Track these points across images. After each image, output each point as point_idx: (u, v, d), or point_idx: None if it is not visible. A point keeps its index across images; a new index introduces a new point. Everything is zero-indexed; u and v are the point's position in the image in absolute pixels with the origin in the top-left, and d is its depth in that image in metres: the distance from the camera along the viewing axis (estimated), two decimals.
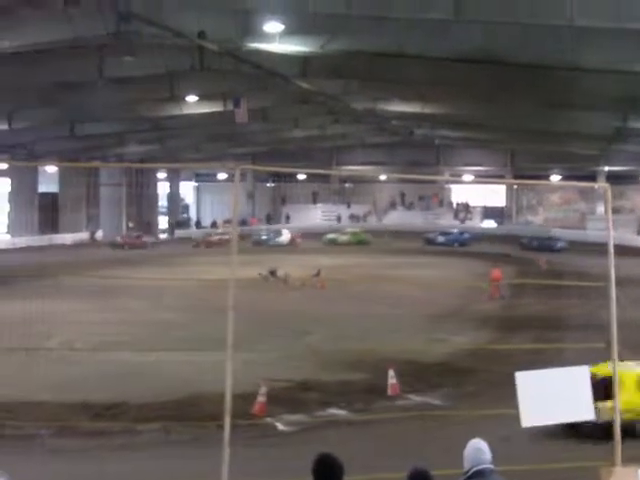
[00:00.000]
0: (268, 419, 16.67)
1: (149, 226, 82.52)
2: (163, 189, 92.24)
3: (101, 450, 14.39)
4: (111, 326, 28.03)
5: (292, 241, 70.44)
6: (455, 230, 75.41)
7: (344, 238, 72.84)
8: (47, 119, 55.82)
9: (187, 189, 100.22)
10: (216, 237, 70.24)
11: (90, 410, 16.93)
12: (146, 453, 14.30)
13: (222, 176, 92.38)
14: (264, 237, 72.20)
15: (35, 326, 27.50)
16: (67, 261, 53.50)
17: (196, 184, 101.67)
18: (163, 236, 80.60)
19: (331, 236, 74.09)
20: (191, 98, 49.81)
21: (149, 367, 20.71)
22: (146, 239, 71.52)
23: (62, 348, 22.52)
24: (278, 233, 73.07)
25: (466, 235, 72.66)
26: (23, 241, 65.97)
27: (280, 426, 16.62)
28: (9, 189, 73.50)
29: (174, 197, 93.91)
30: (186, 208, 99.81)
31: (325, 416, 17.35)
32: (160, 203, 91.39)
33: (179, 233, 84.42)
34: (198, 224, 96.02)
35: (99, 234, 77.80)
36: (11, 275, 44.27)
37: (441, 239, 71.50)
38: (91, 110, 53.12)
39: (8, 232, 73.01)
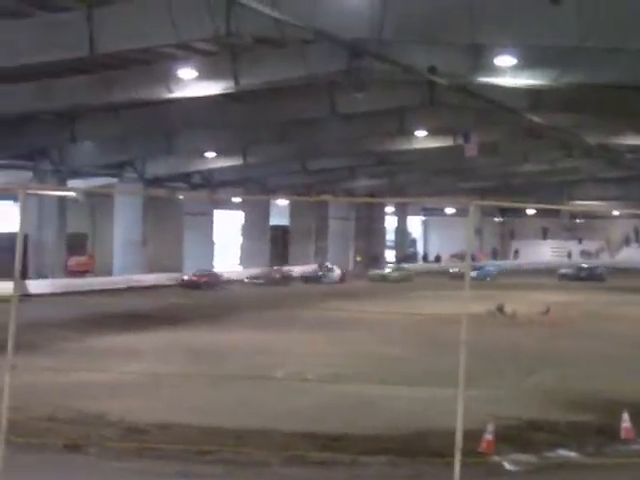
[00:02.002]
0: (495, 458, 16.29)
1: (377, 260, 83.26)
2: (391, 223, 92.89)
3: None
4: (336, 358, 28.33)
5: (342, 278, 68.77)
6: None
7: (395, 275, 71.57)
8: (280, 154, 57.49)
9: (414, 223, 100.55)
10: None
11: (317, 440, 17.07)
12: None
13: (450, 210, 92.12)
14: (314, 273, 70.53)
15: (265, 355, 28.34)
16: (295, 292, 54.82)
17: (424, 218, 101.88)
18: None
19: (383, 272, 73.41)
20: (420, 133, 50.03)
21: (373, 400, 20.75)
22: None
23: (291, 379, 22.92)
24: (330, 269, 70.79)
25: None
26: (254, 272, 68.00)
27: (508, 465, 16.19)
28: (242, 222, 76.04)
29: (402, 231, 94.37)
30: (413, 242, 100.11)
31: (554, 457, 16.79)
32: (388, 237, 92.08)
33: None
34: (425, 258, 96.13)
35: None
36: (244, 306, 45.78)
37: None
38: (322, 145, 54.32)
39: (240, 263, 75.50)
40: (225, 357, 28.17)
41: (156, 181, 60.92)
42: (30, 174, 52.76)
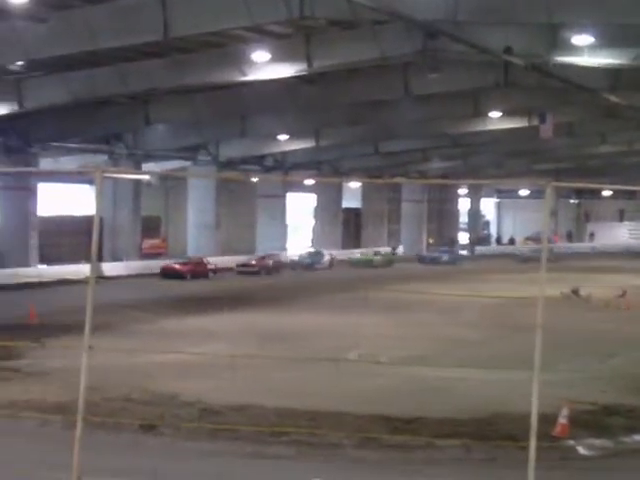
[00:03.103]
0: (570, 442, 16.10)
1: (451, 242, 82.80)
2: (464, 205, 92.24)
3: (401, 463, 14.44)
4: (407, 340, 28.27)
5: (331, 264, 63.59)
6: None
7: (378, 259, 67.43)
8: (352, 137, 57.38)
9: (488, 205, 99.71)
10: None
11: (390, 423, 17.04)
12: (446, 469, 14.22)
13: (524, 192, 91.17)
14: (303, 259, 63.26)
15: (336, 338, 28.37)
16: (366, 276, 54.70)
17: (497, 200, 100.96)
18: (463, 252, 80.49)
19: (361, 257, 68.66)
20: (494, 114, 49.48)
21: (446, 383, 20.65)
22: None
23: (364, 361, 22.92)
24: (319, 254, 64.75)
25: None
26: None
27: (582, 450, 16.00)
28: (315, 204, 76.09)
29: (475, 214, 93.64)
30: (487, 224, 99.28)
31: (630, 443, 16.54)
32: (461, 219, 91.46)
33: (479, 250, 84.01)
34: (499, 240, 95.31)
35: (400, 249, 78.86)
36: (316, 288, 45.87)
37: None
38: (395, 127, 54.10)
39: (312, 245, 75.63)
40: (297, 339, 28.27)
41: (229, 164, 61.24)
42: (105, 158, 53.42)
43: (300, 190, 73.62)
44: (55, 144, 49.59)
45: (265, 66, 33.23)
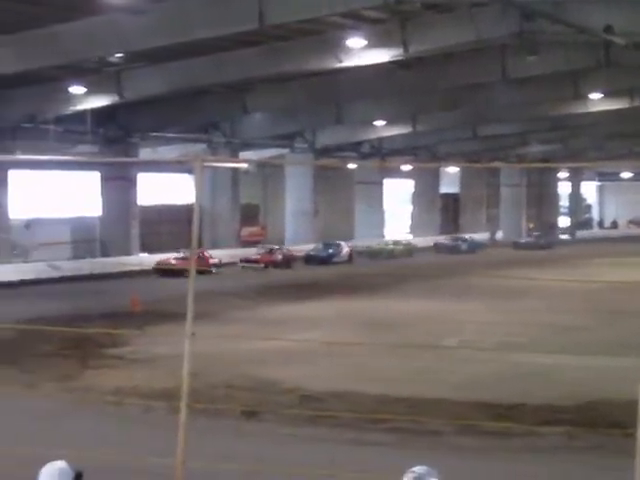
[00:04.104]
0: None
1: (551, 227, 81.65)
2: (565, 189, 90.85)
3: (501, 451, 14.31)
4: (508, 326, 27.92)
5: (350, 256, 56.40)
6: None
7: (399, 249, 61.28)
8: (449, 121, 56.97)
9: (590, 189, 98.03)
10: None
11: (490, 410, 16.89)
12: (548, 457, 14.02)
13: (626, 175, 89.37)
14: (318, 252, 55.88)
15: (436, 324, 28.23)
16: (465, 261, 54.29)
17: (599, 183, 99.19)
18: (564, 237, 79.26)
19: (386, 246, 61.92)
20: (595, 95, 48.52)
21: (547, 369, 20.36)
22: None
23: (464, 347, 22.76)
24: (337, 246, 57.04)
25: None
26: (425, 241, 67.81)
27: None
28: (412, 190, 75.85)
29: (576, 197, 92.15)
30: (588, 208, 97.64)
31: None
32: (561, 203, 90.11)
33: (581, 234, 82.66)
34: (601, 224, 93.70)
35: (499, 234, 78.09)
36: (417, 274, 45.61)
37: None
38: (493, 111, 53.54)
39: (410, 232, 75.43)
40: (394, 326, 28.18)
41: (326, 151, 61.40)
42: (203, 147, 54.05)
43: (397, 176, 73.42)
44: (154, 134, 50.38)
45: (361, 52, 33.16)
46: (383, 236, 67.34)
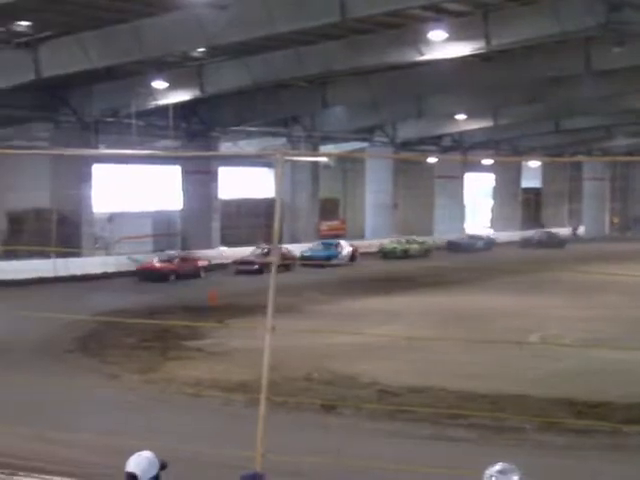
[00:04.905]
0: None
1: (636, 221, 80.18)
2: None
3: (585, 449, 14.05)
4: (591, 322, 27.45)
5: (353, 257, 50.16)
6: None
7: (415, 247, 55.59)
8: (532, 115, 56.24)
9: None
10: None
11: (573, 407, 16.63)
12: (633, 457, 13.72)
13: None
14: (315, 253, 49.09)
15: (516, 319, 27.89)
16: (547, 256, 53.55)
17: None
18: None
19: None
20: None
21: (632, 366, 19.91)
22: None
23: (548, 343, 22.42)
24: (336, 246, 50.41)
25: None
26: (505, 236, 67.13)
27: None
28: (493, 184, 75.17)
29: None
30: None
31: None
32: None
33: None
34: None
35: (581, 229, 77.00)
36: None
37: None
38: (576, 104, 52.71)
39: (491, 226, 74.74)
40: (475, 320, 27.92)
41: (406, 144, 61.12)
42: (282, 141, 54.18)
43: (478, 170, 72.79)
44: (235, 128, 50.68)
45: (442, 45, 32.90)
46: (463, 230, 66.77)
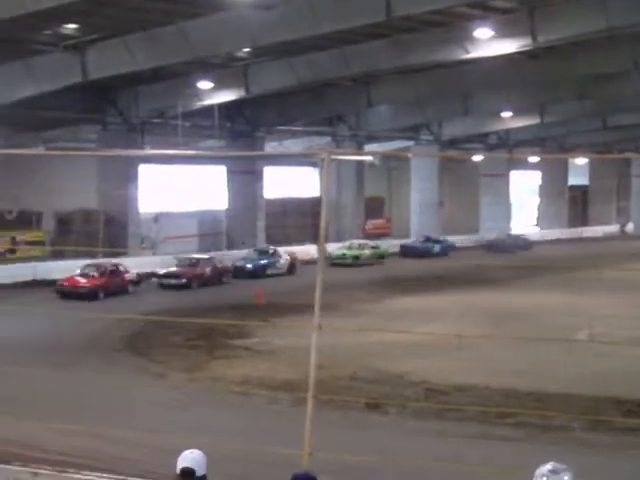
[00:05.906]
0: None
1: None
2: None
3: (634, 448, 13.93)
4: (637, 320, 27.14)
5: (291, 267, 44.25)
6: None
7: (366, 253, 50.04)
8: (578, 112, 55.73)
9: None
10: None
11: (622, 406, 16.51)
12: None
13: None
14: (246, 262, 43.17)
15: (564, 317, 27.67)
16: (594, 254, 53.00)
17: None
18: None
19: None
20: None
21: None
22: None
23: (596, 341, 22.24)
24: (272, 255, 44.85)
25: None
26: (553, 233, 66.59)
27: None
28: (539, 182, 74.65)
29: None
30: None
31: None
32: None
33: None
34: None
35: (629, 227, 76.18)
36: (545, 266, 44.69)
37: None
38: (623, 101, 52.17)
39: (537, 224, 74.22)
40: (521, 318, 27.77)
41: (452, 143, 60.87)
42: (327, 140, 54.22)
43: (524, 168, 72.29)
44: (280, 127, 50.80)
45: (488, 43, 32.71)
46: (510, 228, 66.36)
